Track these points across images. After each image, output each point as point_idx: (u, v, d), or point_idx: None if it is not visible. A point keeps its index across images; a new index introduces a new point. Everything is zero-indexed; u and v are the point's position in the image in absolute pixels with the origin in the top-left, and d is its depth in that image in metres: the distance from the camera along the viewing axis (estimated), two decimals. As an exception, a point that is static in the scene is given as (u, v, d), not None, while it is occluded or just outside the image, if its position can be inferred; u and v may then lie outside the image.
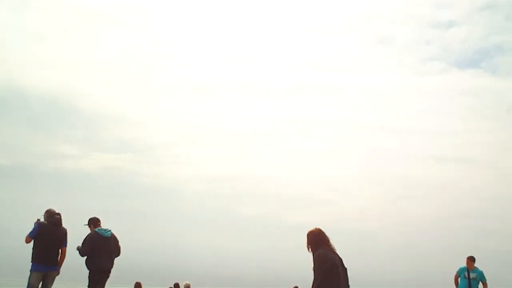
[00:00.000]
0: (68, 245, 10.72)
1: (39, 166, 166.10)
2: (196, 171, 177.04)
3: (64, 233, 10.69)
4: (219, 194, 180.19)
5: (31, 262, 10.44)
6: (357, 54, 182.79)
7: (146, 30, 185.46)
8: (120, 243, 10.99)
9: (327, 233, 7.42)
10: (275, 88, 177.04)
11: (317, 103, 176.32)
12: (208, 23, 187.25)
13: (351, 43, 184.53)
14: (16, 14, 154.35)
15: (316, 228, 7.49)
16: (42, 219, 10.67)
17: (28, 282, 10.33)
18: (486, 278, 14.03)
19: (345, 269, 7.42)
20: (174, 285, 20.06)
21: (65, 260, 10.75)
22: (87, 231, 10.84)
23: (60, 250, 10.64)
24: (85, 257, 10.58)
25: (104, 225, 10.92)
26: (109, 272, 10.82)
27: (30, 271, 10.40)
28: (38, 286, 10.40)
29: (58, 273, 10.66)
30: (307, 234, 7.46)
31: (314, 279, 7.12)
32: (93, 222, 10.88)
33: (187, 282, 20.12)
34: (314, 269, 7.17)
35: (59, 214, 10.74)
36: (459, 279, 14.19)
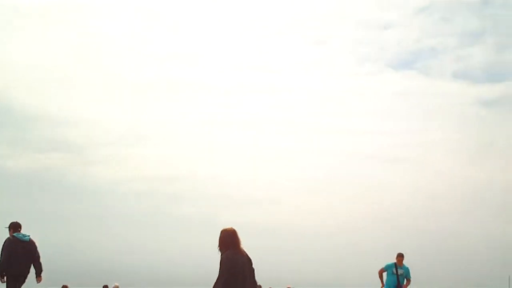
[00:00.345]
0: None
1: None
2: (132, 172, 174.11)
3: None
4: (156, 195, 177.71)
5: None
6: (294, 55, 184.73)
7: (76, 27, 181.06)
8: (38, 248, 10.92)
9: (240, 235, 7.21)
10: (215, 88, 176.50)
11: (256, 104, 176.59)
12: (146, 21, 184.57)
13: (289, 44, 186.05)
14: None
15: (230, 228, 7.28)
16: None
17: None
18: (411, 276, 14.34)
19: (253, 269, 7.31)
20: (103, 287, 19.74)
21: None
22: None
23: None
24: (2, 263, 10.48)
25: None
26: (25, 277, 10.73)
27: None
28: None
29: None
30: (221, 232, 7.24)
31: (217, 279, 6.98)
32: (13, 227, 10.77)
33: (116, 284, 19.94)
34: (219, 270, 7.02)
35: None
36: (384, 274, 14.33)
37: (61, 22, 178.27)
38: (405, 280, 14.28)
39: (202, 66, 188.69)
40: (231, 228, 7.26)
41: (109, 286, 19.68)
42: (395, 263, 14.24)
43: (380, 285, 14.34)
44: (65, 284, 19.14)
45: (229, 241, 7.15)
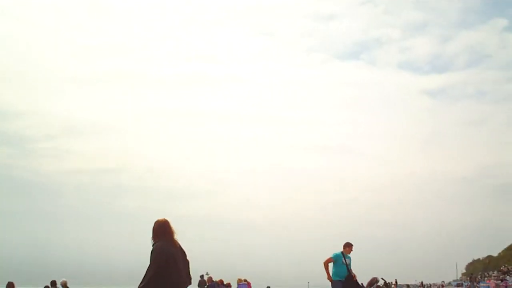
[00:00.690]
0: None
1: None
2: (75, 164, 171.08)
3: None
4: (98, 188, 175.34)
5: None
6: (240, 45, 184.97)
7: (16, 18, 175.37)
8: None
9: (174, 226, 7.24)
10: (159, 79, 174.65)
11: (201, 94, 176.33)
12: (91, 12, 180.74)
13: (235, 35, 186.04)
14: None
15: (163, 219, 7.31)
16: None
17: None
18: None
19: (187, 262, 7.35)
20: (50, 283, 19.40)
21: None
22: None
23: None
24: None
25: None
26: None
27: None
28: None
29: None
30: (154, 223, 7.27)
31: (147, 270, 6.97)
32: None
33: (64, 279, 19.62)
34: (150, 260, 7.01)
35: None
36: (331, 264, 14.04)
37: (4, 16, 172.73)
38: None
39: (147, 58, 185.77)
40: (164, 219, 7.29)
41: (57, 282, 19.33)
42: (342, 253, 14.06)
43: (326, 276, 14.05)
44: (10, 281, 18.65)
45: (161, 231, 7.17)
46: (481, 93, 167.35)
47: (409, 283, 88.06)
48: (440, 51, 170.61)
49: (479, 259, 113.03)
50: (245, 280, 22.71)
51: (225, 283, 21.50)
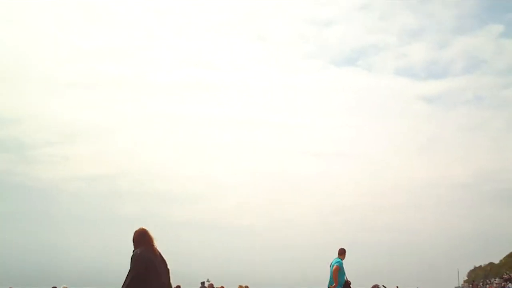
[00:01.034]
0: None
1: None
2: (73, 170, 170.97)
3: None
4: (97, 194, 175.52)
5: None
6: (236, 51, 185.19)
7: (14, 25, 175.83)
8: None
9: (152, 234, 7.46)
10: (156, 84, 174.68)
11: (198, 100, 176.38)
12: (90, 16, 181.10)
13: (231, 40, 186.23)
14: None
15: (141, 228, 7.51)
16: None
17: None
18: None
19: (167, 270, 7.46)
20: (50, 289, 19.33)
21: None
22: None
23: None
24: None
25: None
26: None
27: None
28: None
29: None
30: (133, 233, 7.48)
31: (126, 277, 7.06)
32: None
33: (65, 286, 19.59)
34: (130, 266, 7.13)
35: None
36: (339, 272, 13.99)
37: (0, 19, 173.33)
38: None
39: (145, 63, 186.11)
40: (142, 228, 7.51)
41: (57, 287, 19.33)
42: (342, 260, 14.09)
43: (334, 284, 13.97)
44: (11, 287, 18.63)
45: (140, 239, 7.36)
46: (479, 99, 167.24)
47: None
48: (437, 57, 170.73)
49: (480, 266, 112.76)
50: (246, 287, 22.66)
51: (226, 290, 21.44)
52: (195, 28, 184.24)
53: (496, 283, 65.41)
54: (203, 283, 26.94)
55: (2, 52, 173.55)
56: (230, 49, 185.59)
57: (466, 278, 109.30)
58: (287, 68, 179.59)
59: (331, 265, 14.16)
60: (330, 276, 14.11)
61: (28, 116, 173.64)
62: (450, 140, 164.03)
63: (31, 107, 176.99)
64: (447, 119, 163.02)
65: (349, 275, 14.43)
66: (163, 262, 7.41)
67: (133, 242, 7.40)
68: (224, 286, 21.17)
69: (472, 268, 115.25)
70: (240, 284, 22.84)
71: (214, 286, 21.67)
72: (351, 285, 14.25)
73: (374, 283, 20.40)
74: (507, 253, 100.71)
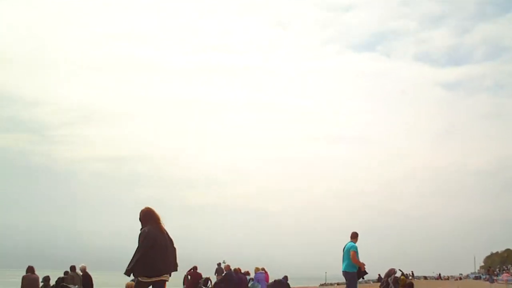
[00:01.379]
0: None
1: None
2: (92, 151, 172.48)
3: None
4: (115, 175, 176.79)
5: None
6: (256, 36, 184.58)
7: (34, 8, 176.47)
8: None
9: (158, 212, 7.62)
10: (175, 68, 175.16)
11: (217, 84, 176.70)
12: (104, 1, 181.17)
13: (251, 26, 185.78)
14: None
15: (146, 207, 7.65)
16: None
17: None
18: None
19: (174, 249, 7.64)
20: (70, 268, 19.56)
21: None
22: None
23: None
24: None
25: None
26: None
27: None
28: None
29: None
30: (139, 213, 7.63)
31: (134, 253, 7.25)
32: None
33: (83, 264, 19.75)
34: (138, 242, 7.32)
35: None
36: (349, 256, 14.03)
37: (21, 5, 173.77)
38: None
39: (163, 46, 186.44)
40: (147, 207, 7.67)
41: (76, 267, 19.48)
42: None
43: (363, 264, 14.11)
44: (30, 265, 18.82)
45: (147, 218, 7.54)
46: (499, 86, 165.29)
47: (426, 275, 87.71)
48: (458, 44, 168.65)
49: (497, 252, 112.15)
50: (263, 269, 22.70)
51: (242, 271, 21.52)
52: (215, 12, 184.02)
53: (513, 269, 65.05)
54: (219, 264, 27.05)
55: (23, 36, 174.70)
56: (249, 34, 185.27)
57: (482, 264, 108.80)
58: (306, 53, 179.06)
59: (345, 249, 14.17)
60: (344, 259, 14.14)
61: (48, 98, 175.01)
62: (469, 127, 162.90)
63: (51, 89, 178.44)
64: (467, 106, 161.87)
65: (366, 259, 14.48)
66: (169, 240, 7.57)
67: (140, 221, 7.57)
68: (241, 267, 21.32)
69: (489, 254, 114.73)
70: (257, 266, 22.92)
71: (231, 267, 21.77)
72: (365, 266, 14.30)
73: (390, 267, 20.35)
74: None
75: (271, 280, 24.06)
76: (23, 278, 16.95)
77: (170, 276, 7.58)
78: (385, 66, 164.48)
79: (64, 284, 18.92)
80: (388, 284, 19.64)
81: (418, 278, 70.91)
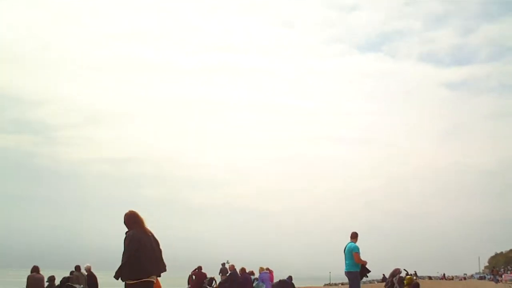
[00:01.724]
0: None
1: None
2: (96, 152, 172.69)
3: None
4: (119, 176, 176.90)
5: None
6: (261, 36, 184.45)
7: (39, 8, 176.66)
8: None
9: (142, 216, 7.67)
10: (178, 69, 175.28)
11: (221, 84, 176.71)
12: (113, 2, 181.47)
13: (255, 25, 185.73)
14: None
15: (130, 211, 7.74)
16: None
17: None
18: None
19: (159, 249, 7.68)
20: (75, 267, 19.60)
21: None
22: None
23: None
24: None
25: None
26: None
27: None
28: None
29: None
30: (124, 216, 7.70)
31: (122, 257, 7.36)
32: None
33: (88, 264, 19.80)
34: (124, 247, 7.41)
35: None
36: (351, 255, 14.10)
37: (26, 4, 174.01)
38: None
39: (169, 47, 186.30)
40: (131, 210, 7.75)
41: (81, 267, 19.52)
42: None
43: (365, 262, 14.22)
44: (35, 265, 18.85)
45: (131, 221, 7.63)
46: (504, 86, 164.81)
47: (431, 275, 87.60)
48: (462, 44, 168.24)
49: (502, 252, 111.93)
50: (267, 269, 22.69)
51: (247, 271, 21.51)
52: (220, 12, 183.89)
53: (518, 270, 64.89)
54: (223, 264, 27.10)
55: (27, 37, 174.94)
56: (254, 34, 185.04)
57: (487, 264, 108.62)
58: (311, 53, 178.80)
59: (346, 249, 14.22)
60: (346, 260, 14.20)
61: (52, 98, 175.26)
62: (473, 127, 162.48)
63: (55, 90, 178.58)
64: (471, 106, 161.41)
65: (370, 259, 14.55)
66: (155, 241, 7.65)
67: (125, 225, 7.65)
68: (245, 267, 21.31)
69: (493, 254, 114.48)
70: (261, 266, 22.91)
71: (236, 267, 21.78)
72: (367, 265, 14.38)
73: (395, 267, 20.35)
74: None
75: (275, 280, 24.06)
76: (28, 277, 16.97)
77: (159, 276, 7.80)
78: (389, 66, 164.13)
79: (69, 283, 18.95)
80: (393, 284, 19.63)
81: (423, 278, 70.80)
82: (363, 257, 14.08)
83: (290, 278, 24.63)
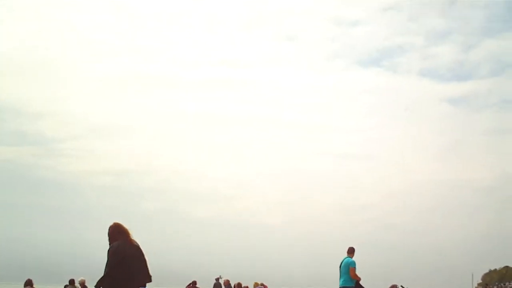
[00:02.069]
0: None
1: None
2: (97, 165, 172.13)
3: None
4: (122, 189, 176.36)
5: None
6: (264, 50, 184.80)
7: (42, 20, 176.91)
8: None
9: (127, 227, 7.66)
10: (183, 82, 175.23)
11: (224, 98, 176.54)
12: (114, 13, 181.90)
13: (258, 39, 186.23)
14: None
15: (114, 223, 7.73)
16: None
17: None
18: None
19: (144, 260, 7.62)
20: (69, 281, 19.51)
21: None
22: None
23: None
24: None
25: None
26: None
27: None
28: None
29: None
30: (108, 228, 7.68)
31: (105, 268, 7.29)
32: None
33: (82, 278, 19.71)
34: (107, 259, 7.36)
35: None
36: (347, 270, 14.28)
37: (27, 14, 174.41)
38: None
39: (172, 60, 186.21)
40: (115, 222, 7.75)
41: (75, 281, 19.44)
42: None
43: (359, 278, 14.36)
44: (29, 278, 18.76)
45: (115, 233, 7.61)
46: (505, 102, 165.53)
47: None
48: (463, 59, 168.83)
49: (495, 269, 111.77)
50: (262, 284, 22.67)
51: (242, 286, 21.45)
52: (223, 26, 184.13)
53: (511, 287, 64.84)
54: (217, 279, 27.08)
55: (28, 48, 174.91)
56: (257, 48, 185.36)
57: (480, 281, 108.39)
58: (312, 68, 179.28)
59: (342, 264, 14.32)
60: (342, 275, 14.28)
61: (53, 110, 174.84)
62: (474, 143, 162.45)
63: (57, 102, 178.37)
64: (472, 122, 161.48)
65: (365, 274, 14.68)
66: (139, 252, 7.59)
67: (109, 237, 7.62)
68: (242, 283, 21.24)
69: (487, 271, 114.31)
70: (256, 281, 22.88)
71: (231, 282, 21.73)
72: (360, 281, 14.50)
73: (392, 283, 20.36)
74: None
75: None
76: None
77: (145, 287, 7.67)
78: (390, 81, 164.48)
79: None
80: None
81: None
82: (358, 272, 14.18)
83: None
